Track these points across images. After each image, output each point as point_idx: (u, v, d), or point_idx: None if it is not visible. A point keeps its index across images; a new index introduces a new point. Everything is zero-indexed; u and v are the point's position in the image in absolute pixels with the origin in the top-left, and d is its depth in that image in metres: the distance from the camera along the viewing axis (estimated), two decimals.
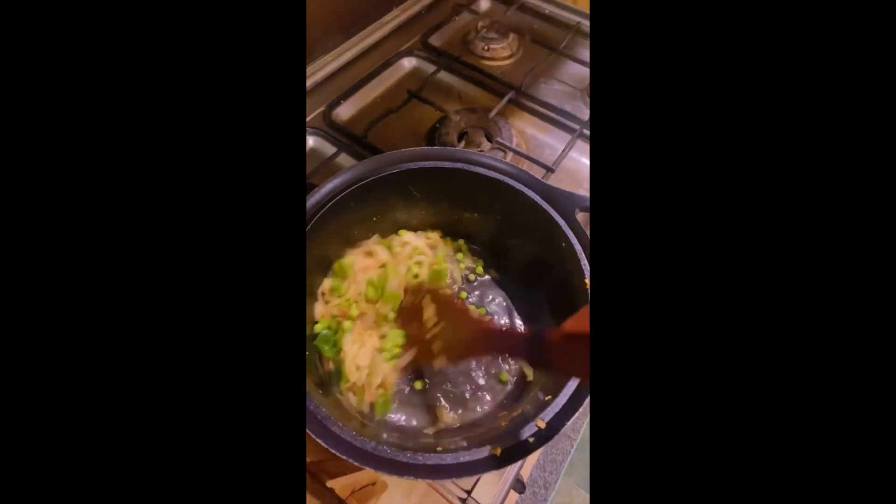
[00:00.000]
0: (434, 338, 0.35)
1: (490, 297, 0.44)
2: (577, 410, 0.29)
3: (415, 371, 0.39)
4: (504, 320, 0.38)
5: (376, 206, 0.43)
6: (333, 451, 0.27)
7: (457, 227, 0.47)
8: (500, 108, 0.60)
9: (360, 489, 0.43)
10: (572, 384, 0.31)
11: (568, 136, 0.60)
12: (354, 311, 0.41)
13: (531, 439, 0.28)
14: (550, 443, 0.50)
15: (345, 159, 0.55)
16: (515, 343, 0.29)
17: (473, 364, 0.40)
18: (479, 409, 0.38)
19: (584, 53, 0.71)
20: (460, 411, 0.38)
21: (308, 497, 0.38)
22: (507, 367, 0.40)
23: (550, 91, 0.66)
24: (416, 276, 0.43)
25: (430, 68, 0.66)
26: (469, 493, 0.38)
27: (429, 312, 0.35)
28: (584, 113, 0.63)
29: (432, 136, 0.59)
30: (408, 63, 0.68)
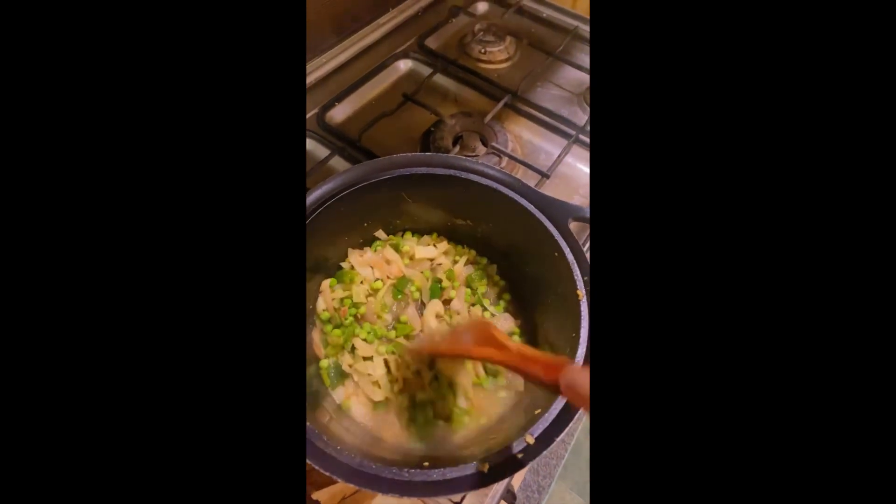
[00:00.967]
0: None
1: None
2: (566, 425, 0.29)
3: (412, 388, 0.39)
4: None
5: (368, 211, 0.42)
6: (317, 467, 0.27)
7: (449, 235, 0.46)
8: (496, 113, 0.60)
9: (351, 496, 0.43)
10: (562, 399, 0.30)
11: (564, 142, 0.59)
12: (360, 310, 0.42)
13: (520, 455, 0.28)
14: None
15: (338, 162, 0.55)
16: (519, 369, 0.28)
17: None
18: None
19: (582, 58, 0.70)
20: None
21: None
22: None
23: (547, 95, 0.66)
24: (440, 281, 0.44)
25: (426, 71, 0.65)
26: None
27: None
28: (581, 118, 0.62)
29: (427, 139, 0.58)
30: (403, 65, 0.67)
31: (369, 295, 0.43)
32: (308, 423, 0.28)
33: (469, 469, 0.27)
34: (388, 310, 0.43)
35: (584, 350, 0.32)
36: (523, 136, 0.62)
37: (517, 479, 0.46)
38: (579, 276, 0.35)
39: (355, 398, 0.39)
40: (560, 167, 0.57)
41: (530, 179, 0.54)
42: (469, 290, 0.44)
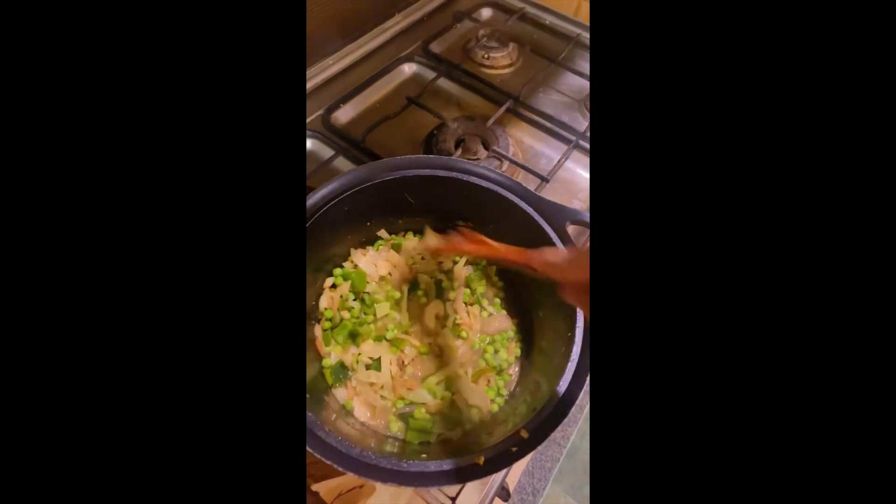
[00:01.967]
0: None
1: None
2: (559, 421, 0.30)
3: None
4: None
5: (371, 211, 0.43)
6: (317, 455, 0.28)
7: (450, 232, 0.47)
8: (498, 117, 0.61)
9: (348, 492, 0.43)
10: (555, 398, 0.31)
11: (564, 147, 0.60)
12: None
13: (514, 449, 0.29)
14: (539, 450, 0.50)
15: (342, 163, 0.56)
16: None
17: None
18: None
19: (583, 65, 0.72)
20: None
21: None
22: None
23: (548, 101, 0.67)
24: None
25: (430, 75, 0.66)
26: (454, 499, 0.39)
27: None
28: (581, 124, 0.63)
29: (430, 142, 0.59)
30: (408, 69, 0.69)
31: (376, 291, 0.44)
32: (310, 414, 0.29)
33: (465, 461, 0.28)
34: (399, 310, 0.44)
35: (578, 349, 0.33)
36: (524, 140, 0.63)
37: (512, 480, 0.47)
38: None
39: (357, 398, 0.40)
40: (560, 172, 0.58)
41: (530, 183, 0.55)
42: (468, 290, 0.45)
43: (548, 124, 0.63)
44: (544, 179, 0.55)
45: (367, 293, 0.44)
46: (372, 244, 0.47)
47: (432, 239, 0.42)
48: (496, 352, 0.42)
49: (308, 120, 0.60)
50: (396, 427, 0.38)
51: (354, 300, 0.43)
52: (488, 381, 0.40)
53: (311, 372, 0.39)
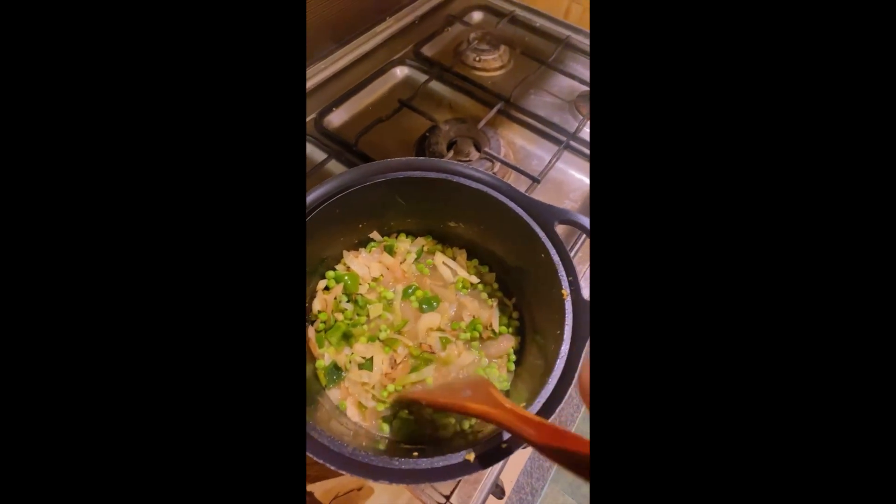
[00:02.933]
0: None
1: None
2: (549, 416, 0.30)
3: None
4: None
5: (363, 213, 0.43)
6: (309, 454, 0.28)
7: (443, 235, 0.48)
8: (490, 119, 0.61)
9: (345, 494, 0.44)
10: (545, 394, 0.32)
11: (555, 148, 0.61)
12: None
13: (504, 445, 0.29)
14: (536, 450, 0.51)
15: (335, 166, 0.56)
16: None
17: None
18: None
19: (574, 66, 0.72)
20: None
21: None
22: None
23: (540, 103, 0.68)
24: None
25: (422, 78, 0.67)
26: (448, 497, 0.39)
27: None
28: (572, 125, 0.64)
29: (422, 145, 0.60)
30: (400, 72, 0.69)
31: (369, 292, 0.44)
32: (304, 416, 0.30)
33: (456, 458, 0.29)
34: (392, 311, 0.44)
35: (567, 347, 0.34)
36: (516, 141, 0.63)
37: (511, 480, 0.47)
38: (564, 276, 0.36)
39: (351, 399, 0.40)
40: (551, 172, 0.59)
41: (522, 184, 0.56)
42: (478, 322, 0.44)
43: (539, 125, 0.64)
44: (535, 180, 0.56)
45: (361, 295, 0.44)
46: (364, 246, 0.47)
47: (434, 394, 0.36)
48: (488, 371, 0.42)
49: None
50: (387, 429, 0.38)
51: (347, 302, 0.44)
52: None
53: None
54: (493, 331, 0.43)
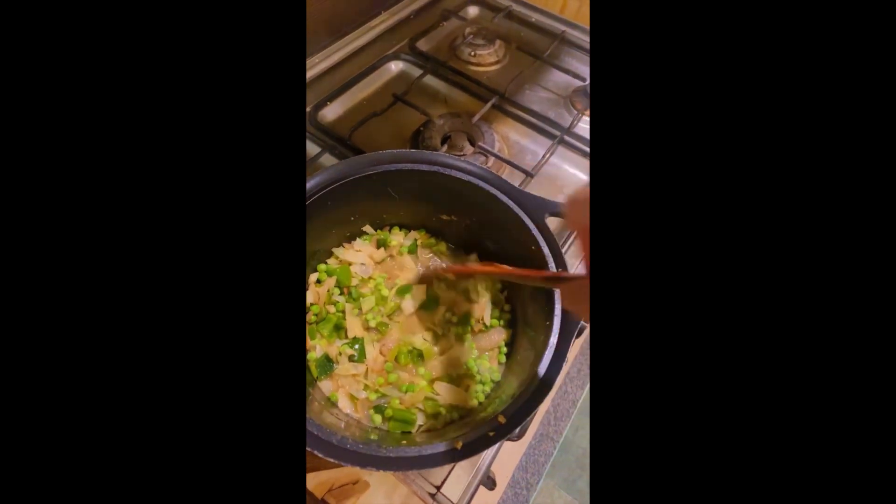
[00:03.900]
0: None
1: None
2: (536, 406, 0.30)
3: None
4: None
5: (354, 206, 0.44)
6: None
7: (435, 228, 0.48)
8: (484, 113, 0.62)
9: (339, 487, 0.44)
10: (533, 384, 0.32)
11: (549, 142, 0.61)
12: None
13: (491, 434, 0.29)
14: (532, 444, 0.51)
15: (328, 159, 0.56)
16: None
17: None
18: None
19: (569, 61, 0.72)
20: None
21: None
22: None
23: (534, 97, 0.68)
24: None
25: (417, 72, 0.67)
26: (439, 488, 0.39)
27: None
28: (567, 120, 0.64)
29: (416, 139, 0.60)
30: (395, 67, 0.69)
31: (363, 285, 0.44)
32: None
33: (442, 446, 0.29)
34: (385, 302, 0.44)
35: (556, 339, 0.34)
36: (510, 136, 0.64)
37: (506, 475, 0.47)
38: (554, 268, 0.37)
39: (342, 391, 0.40)
40: (545, 167, 0.59)
41: (516, 179, 0.56)
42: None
43: (533, 120, 0.64)
44: (529, 174, 0.56)
45: (353, 287, 0.44)
46: (357, 239, 0.47)
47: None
48: (479, 363, 0.42)
49: None
50: (378, 419, 0.38)
51: (340, 294, 0.44)
52: (467, 387, 0.40)
53: None
54: (484, 324, 0.43)
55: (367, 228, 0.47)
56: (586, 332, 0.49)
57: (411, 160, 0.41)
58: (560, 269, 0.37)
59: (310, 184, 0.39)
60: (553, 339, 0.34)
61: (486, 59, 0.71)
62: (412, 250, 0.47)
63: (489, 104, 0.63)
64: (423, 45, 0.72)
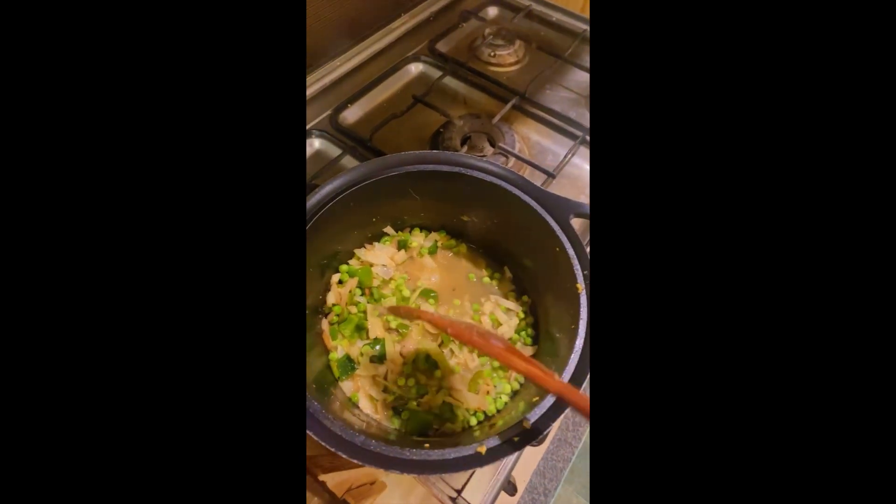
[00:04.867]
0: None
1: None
2: (562, 412, 0.30)
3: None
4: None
5: (376, 207, 0.44)
6: (321, 443, 0.28)
7: (456, 230, 0.48)
8: (504, 114, 0.61)
9: (357, 487, 0.44)
10: None
11: (571, 143, 0.60)
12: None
13: (516, 439, 0.29)
14: (550, 450, 0.50)
15: (349, 161, 0.57)
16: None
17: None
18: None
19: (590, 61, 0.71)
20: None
21: None
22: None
23: (555, 98, 0.67)
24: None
25: (436, 73, 0.67)
26: (459, 492, 0.39)
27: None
28: (588, 119, 0.63)
29: (436, 140, 0.60)
30: (414, 68, 0.69)
31: (384, 286, 0.44)
32: (316, 403, 0.30)
33: (467, 451, 0.28)
34: (406, 303, 0.44)
35: (582, 342, 0.33)
36: (531, 137, 0.63)
37: (524, 480, 0.47)
38: (579, 270, 0.36)
39: (362, 391, 0.40)
40: (567, 168, 0.58)
41: (537, 179, 0.55)
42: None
43: (554, 120, 0.63)
44: (551, 175, 0.55)
45: (374, 287, 0.44)
46: (378, 240, 0.47)
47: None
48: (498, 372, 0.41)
49: (316, 120, 0.61)
50: (397, 421, 0.38)
51: (361, 295, 0.44)
52: (488, 391, 0.40)
53: (318, 365, 0.39)
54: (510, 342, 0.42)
55: (388, 230, 0.47)
56: None
57: (433, 161, 0.41)
58: (585, 272, 0.36)
59: (332, 185, 0.39)
60: (579, 342, 0.33)
61: (506, 60, 0.71)
62: (433, 251, 0.47)
63: (509, 105, 0.62)
64: (442, 46, 0.72)
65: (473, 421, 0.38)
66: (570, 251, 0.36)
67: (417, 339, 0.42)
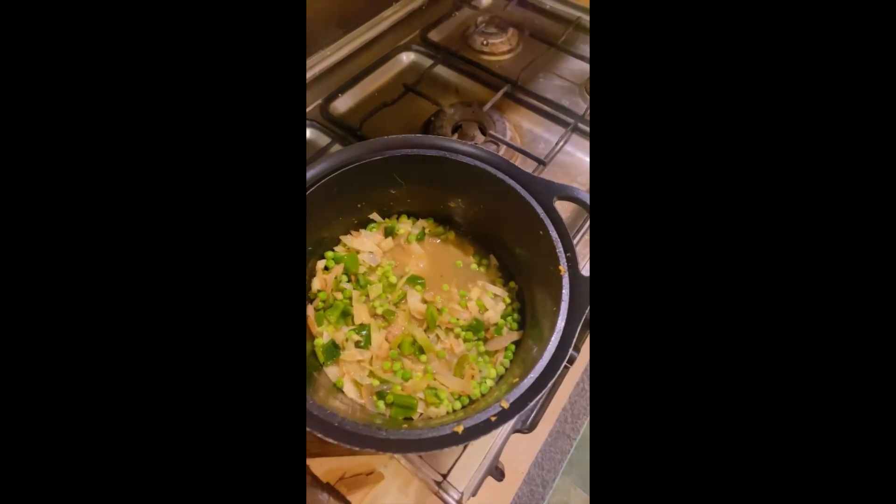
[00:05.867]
0: None
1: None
2: (540, 391, 0.29)
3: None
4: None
5: (361, 192, 0.43)
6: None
7: (443, 216, 0.47)
8: (495, 102, 0.61)
9: (352, 477, 0.44)
10: (538, 368, 0.31)
11: (563, 130, 0.60)
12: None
13: (493, 418, 0.29)
14: (549, 441, 0.50)
15: (337, 149, 0.57)
16: None
17: None
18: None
19: (584, 48, 0.71)
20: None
21: None
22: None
23: (548, 85, 0.66)
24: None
25: (428, 62, 0.67)
26: (445, 476, 0.39)
27: None
28: (581, 107, 0.63)
29: (427, 129, 0.59)
30: (406, 58, 0.69)
31: (371, 273, 0.44)
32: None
33: (444, 430, 0.28)
34: (393, 290, 0.44)
35: (563, 324, 0.33)
36: (523, 125, 0.62)
37: (521, 471, 0.47)
38: (562, 252, 0.36)
39: (347, 377, 0.40)
40: (559, 155, 0.57)
41: (528, 167, 0.55)
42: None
43: (546, 108, 0.63)
44: (542, 163, 0.55)
45: (360, 274, 0.44)
46: (364, 227, 0.47)
47: None
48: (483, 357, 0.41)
49: (307, 110, 0.61)
50: (382, 406, 0.38)
51: (348, 282, 0.44)
52: (472, 375, 0.39)
53: None
54: (496, 328, 0.42)
55: (375, 216, 0.47)
56: None
57: (417, 145, 0.41)
58: (568, 254, 0.36)
59: (315, 169, 0.39)
60: (560, 323, 0.33)
61: (499, 48, 0.70)
62: (420, 238, 0.47)
63: (501, 92, 0.62)
64: (434, 35, 0.71)
65: (458, 405, 0.38)
66: (554, 234, 0.36)
67: (403, 325, 0.42)
